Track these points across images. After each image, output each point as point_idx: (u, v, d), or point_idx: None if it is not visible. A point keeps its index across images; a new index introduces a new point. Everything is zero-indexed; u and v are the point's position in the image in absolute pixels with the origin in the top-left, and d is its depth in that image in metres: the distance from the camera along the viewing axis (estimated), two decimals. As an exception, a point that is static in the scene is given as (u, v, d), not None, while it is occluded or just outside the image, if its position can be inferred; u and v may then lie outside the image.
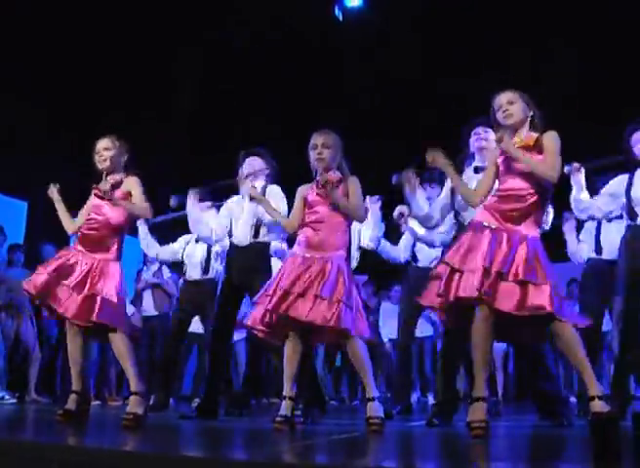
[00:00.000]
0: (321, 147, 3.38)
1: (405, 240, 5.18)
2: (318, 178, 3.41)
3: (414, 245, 5.12)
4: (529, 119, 3.06)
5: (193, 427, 3.73)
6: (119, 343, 3.35)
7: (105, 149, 3.58)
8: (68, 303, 3.33)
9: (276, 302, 3.16)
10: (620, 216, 4.56)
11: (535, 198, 2.95)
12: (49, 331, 6.87)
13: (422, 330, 6.93)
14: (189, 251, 5.53)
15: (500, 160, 3.08)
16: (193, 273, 5.43)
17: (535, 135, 3.02)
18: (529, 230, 2.92)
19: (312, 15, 8.80)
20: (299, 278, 3.18)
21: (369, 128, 8.66)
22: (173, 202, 5.10)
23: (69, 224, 3.68)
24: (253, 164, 4.45)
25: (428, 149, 3.19)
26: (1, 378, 6.39)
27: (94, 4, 7.29)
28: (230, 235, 4.44)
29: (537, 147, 2.99)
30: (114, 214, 3.51)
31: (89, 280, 3.36)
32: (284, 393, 3.24)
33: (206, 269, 5.42)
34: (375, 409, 3.14)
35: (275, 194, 4.27)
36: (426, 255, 5.03)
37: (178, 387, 6.63)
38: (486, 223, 2.94)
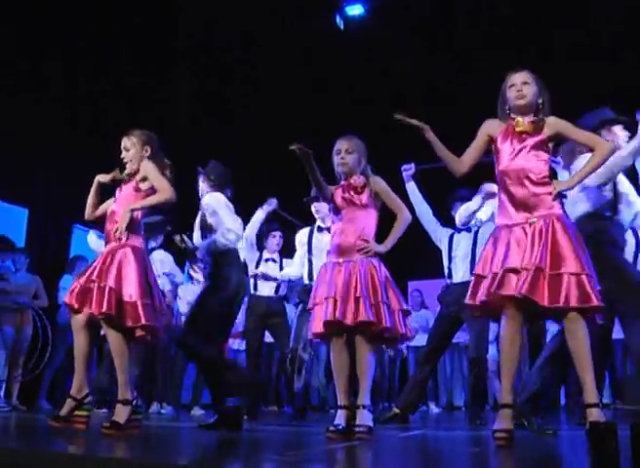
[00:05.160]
0: (344, 153, 3.40)
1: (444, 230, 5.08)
2: (343, 183, 3.41)
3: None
4: (539, 105, 2.92)
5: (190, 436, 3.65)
6: (112, 341, 3.23)
7: (125, 150, 3.51)
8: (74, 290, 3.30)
9: (325, 310, 3.16)
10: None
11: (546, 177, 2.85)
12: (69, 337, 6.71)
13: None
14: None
15: (501, 139, 2.93)
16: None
17: (533, 119, 2.91)
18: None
19: (313, 24, 8.79)
20: (334, 284, 3.18)
21: (373, 136, 8.59)
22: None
23: (88, 210, 3.65)
24: None
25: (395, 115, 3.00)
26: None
27: (94, 5, 7.30)
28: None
29: (535, 131, 2.88)
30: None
31: (96, 268, 3.28)
32: (339, 402, 3.20)
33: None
34: (364, 418, 3.09)
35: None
36: None
37: (177, 395, 6.58)
38: (506, 222, 2.85)
